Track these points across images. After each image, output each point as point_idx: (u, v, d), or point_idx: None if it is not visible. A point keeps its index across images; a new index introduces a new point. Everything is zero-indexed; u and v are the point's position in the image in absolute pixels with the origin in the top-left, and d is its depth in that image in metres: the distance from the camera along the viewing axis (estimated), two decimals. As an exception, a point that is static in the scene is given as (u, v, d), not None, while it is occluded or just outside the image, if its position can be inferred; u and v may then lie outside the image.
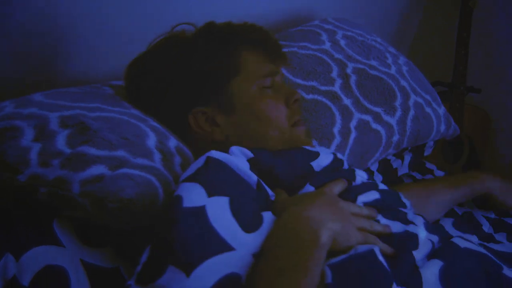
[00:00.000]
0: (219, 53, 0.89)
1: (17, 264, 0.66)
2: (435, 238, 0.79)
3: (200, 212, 0.63)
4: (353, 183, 0.84)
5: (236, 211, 0.64)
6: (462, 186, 1.10)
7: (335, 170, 0.86)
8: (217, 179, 0.68)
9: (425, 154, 1.42)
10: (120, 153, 0.76)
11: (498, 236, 1.12)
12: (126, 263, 0.76)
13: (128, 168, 0.73)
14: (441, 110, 1.32)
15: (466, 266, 0.71)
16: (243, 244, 0.63)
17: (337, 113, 1.15)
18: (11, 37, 1.05)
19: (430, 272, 0.70)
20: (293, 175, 0.79)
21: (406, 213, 0.83)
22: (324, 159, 0.85)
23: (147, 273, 0.60)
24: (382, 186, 0.88)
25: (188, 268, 0.58)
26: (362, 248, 0.66)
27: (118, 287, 0.65)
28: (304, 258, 0.61)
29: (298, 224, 0.65)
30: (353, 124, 1.16)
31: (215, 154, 0.70)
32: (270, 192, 0.74)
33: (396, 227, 0.77)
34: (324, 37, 1.33)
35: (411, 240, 0.76)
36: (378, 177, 1.28)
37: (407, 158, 1.37)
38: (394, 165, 1.35)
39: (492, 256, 0.74)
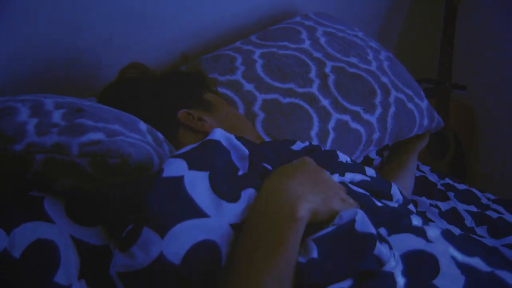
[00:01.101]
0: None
1: (8, 238, 0.67)
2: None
3: (177, 180, 0.65)
4: (339, 159, 0.86)
5: (215, 184, 0.66)
6: (411, 149, 1.32)
7: (314, 150, 0.88)
8: (203, 156, 0.70)
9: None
10: (116, 127, 0.78)
11: (479, 230, 1.18)
12: (116, 241, 0.76)
13: (124, 137, 0.75)
14: (424, 104, 1.31)
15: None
16: (219, 213, 0.64)
17: (314, 116, 1.14)
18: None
19: (432, 229, 0.70)
20: (279, 160, 0.80)
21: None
22: (300, 144, 0.89)
23: (127, 239, 0.63)
24: (370, 172, 0.87)
25: (162, 230, 0.61)
26: (345, 218, 0.65)
27: (107, 264, 0.66)
28: (281, 232, 0.61)
29: (276, 197, 0.65)
30: (331, 125, 1.15)
31: (218, 133, 0.75)
32: (269, 167, 0.75)
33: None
34: (304, 35, 1.33)
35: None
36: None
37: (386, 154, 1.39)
38: (375, 163, 1.37)
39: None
